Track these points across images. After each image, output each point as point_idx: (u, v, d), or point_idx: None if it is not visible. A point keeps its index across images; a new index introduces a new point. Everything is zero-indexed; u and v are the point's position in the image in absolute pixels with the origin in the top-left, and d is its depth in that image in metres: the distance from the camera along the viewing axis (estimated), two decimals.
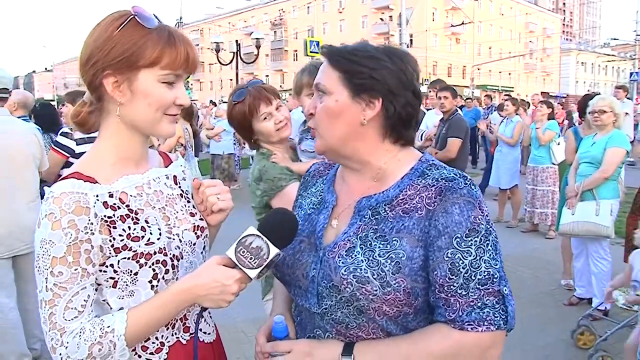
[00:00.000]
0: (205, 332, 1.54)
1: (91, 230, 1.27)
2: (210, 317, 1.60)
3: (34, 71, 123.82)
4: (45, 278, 1.24)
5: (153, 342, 1.39)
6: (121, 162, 1.41)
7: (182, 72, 1.37)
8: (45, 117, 5.97)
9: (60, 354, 1.23)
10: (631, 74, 25.09)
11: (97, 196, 1.30)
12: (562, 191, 5.45)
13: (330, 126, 1.35)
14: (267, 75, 70.49)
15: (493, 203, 9.06)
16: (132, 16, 1.32)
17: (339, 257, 1.29)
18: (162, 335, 1.41)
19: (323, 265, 1.32)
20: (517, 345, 4.22)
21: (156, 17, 1.36)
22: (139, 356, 1.37)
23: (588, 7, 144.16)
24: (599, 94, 6.04)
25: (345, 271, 1.25)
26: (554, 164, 7.45)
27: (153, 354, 1.39)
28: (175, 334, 1.44)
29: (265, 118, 2.38)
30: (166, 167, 1.56)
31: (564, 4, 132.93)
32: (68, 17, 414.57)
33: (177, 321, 1.44)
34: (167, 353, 1.41)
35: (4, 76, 3.70)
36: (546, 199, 7.59)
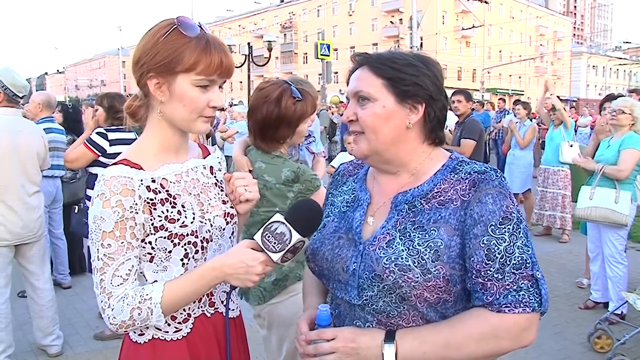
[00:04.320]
0: (230, 309, 1.71)
1: (135, 209, 1.43)
2: (237, 296, 1.77)
3: (46, 73, 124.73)
4: (97, 249, 1.42)
5: (181, 313, 1.56)
6: (163, 152, 1.57)
7: (216, 78, 1.49)
8: (74, 120, 6.35)
9: (107, 315, 1.42)
10: None
11: (141, 180, 1.46)
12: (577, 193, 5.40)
13: (379, 130, 1.41)
14: (277, 78, 70.45)
15: None
16: (175, 25, 1.45)
17: (379, 249, 1.36)
18: (189, 307, 1.57)
19: (364, 258, 1.39)
20: (533, 348, 4.20)
21: (200, 26, 1.49)
22: (168, 324, 1.54)
23: (599, 10, 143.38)
24: (624, 95, 5.99)
25: (387, 261, 1.33)
26: (561, 162, 7.39)
27: (181, 324, 1.56)
28: (201, 307, 1.61)
29: (307, 120, 2.52)
30: (204, 158, 1.72)
31: (574, 7, 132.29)
32: (80, 20, 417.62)
33: (204, 296, 1.60)
34: (192, 323, 1.58)
35: (27, 85, 4.08)
36: (555, 202, 7.54)
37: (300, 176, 2.43)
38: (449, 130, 6.91)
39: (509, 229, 1.29)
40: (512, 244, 1.28)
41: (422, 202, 1.40)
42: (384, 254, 1.34)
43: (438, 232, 1.33)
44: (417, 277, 1.29)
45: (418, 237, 1.34)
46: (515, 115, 10.70)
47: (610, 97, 5.86)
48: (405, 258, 1.31)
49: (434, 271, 1.29)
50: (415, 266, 1.30)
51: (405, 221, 1.39)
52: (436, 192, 1.39)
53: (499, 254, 1.28)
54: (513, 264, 1.28)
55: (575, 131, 15.09)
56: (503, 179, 1.36)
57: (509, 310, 1.26)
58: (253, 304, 2.58)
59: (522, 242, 1.30)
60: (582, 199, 4.82)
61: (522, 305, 1.26)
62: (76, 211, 4.67)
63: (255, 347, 4.10)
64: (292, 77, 2.95)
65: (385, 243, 1.36)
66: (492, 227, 1.29)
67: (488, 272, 1.28)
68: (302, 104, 2.43)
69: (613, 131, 4.89)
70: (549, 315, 4.91)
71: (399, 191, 1.44)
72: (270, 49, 17.47)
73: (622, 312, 4.56)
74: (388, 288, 1.33)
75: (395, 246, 1.34)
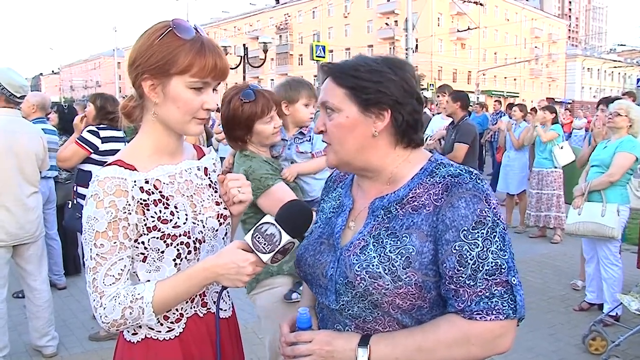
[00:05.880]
0: (222, 309, 1.72)
1: (128, 210, 1.45)
2: (229, 296, 1.78)
3: (41, 74, 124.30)
4: (90, 249, 1.43)
5: (174, 313, 1.57)
6: (157, 153, 1.58)
7: (210, 80, 1.50)
8: (69, 121, 6.32)
9: (99, 314, 1.43)
10: (638, 79, 25.01)
11: (135, 181, 1.48)
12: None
13: (344, 141, 1.41)
14: (272, 79, 70.48)
15: (501, 209, 9.02)
16: (171, 28, 1.47)
17: (353, 255, 1.36)
18: (182, 307, 1.58)
19: (340, 264, 1.39)
20: (528, 350, 4.23)
21: (195, 28, 1.50)
22: (161, 324, 1.55)
23: (594, 12, 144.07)
24: (621, 97, 6.04)
25: (358, 268, 1.32)
26: (556, 167, 7.46)
27: (173, 323, 1.57)
28: (194, 307, 1.62)
29: (269, 121, 2.54)
30: (199, 159, 1.72)
31: (569, 9, 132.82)
32: (75, 20, 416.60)
33: (196, 296, 1.62)
34: (185, 323, 1.59)
35: (26, 85, 4.07)
36: (550, 203, 7.59)
37: (249, 175, 2.45)
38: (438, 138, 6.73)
39: (482, 233, 1.26)
40: (485, 249, 1.25)
41: (397, 207, 1.38)
42: (356, 260, 1.34)
43: (410, 239, 1.31)
44: (388, 284, 1.28)
45: (390, 243, 1.33)
46: (510, 118, 10.77)
47: (608, 100, 5.88)
48: (376, 265, 1.30)
49: (405, 278, 1.28)
50: (386, 273, 1.28)
51: (380, 227, 1.38)
52: (411, 197, 1.37)
53: (471, 259, 1.25)
54: (486, 269, 1.25)
55: (570, 133, 15.20)
56: (478, 182, 1.32)
57: (480, 317, 1.24)
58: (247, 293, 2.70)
59: (497, 247, 1.26)
60: (571, 214, 4.89)
61: (494, 312, 1.23)
62: (69, 206, 4.68)
63: (251, 348, 4.11)
64: (289, 77, 2.97)
65: (360, 249, 1.36)
66: (465, 232, 1.26)
67: (460, 278, 1.25)
68: (251, 105, 2.47)
69: (610, 134, 4.91)
70: (544, 317, 4.93)
71: (377, 196, 1.44)
72: (265, 51, 17.48)
73: (616, 313, 4.57)
74: (360, 295, 1.33)
75: (368, 252, 1.33)
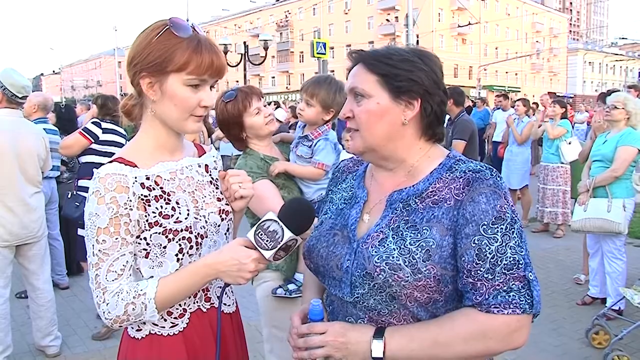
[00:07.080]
0: (225, 304, 1.74)
1: (129, 206, 1.46)
2: (232, 292, 1.80)
3: (42, 74, 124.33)
4: (92, 245, 1.45)
5: (177, 308, 1.58)
6: (158, 150, 1.60)
7: (207, 77, 1.52)
8: (67, 119, 6.53)
9: (102, 310, 1.45)
10: None
11: (135, 178, 1.50)
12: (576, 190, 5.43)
13: (373, 127, 1.41)
14: (273, 77, 70.49)
15: None
16: (168, 26, 1.49)
17: (372, 247, 1.36)
18: (185, 303, 1.60)
19: (357, 255, 1.39)
20: (532, 344, 4.22)
21: (193, 27, 1.52)
22: (165, 320, 1.56)
23: (595, 6, 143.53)
24: (618, 90, 6.02)
25: (378, 259, 1.33)
26: (563, 163, 7.44)
27: (177, 319, 1.58)
28: (197, 302, 1.63)
29: (257, 113, 2.59)
30: (200, 157, 1.74)
31: (570, 3, 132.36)
32: (76, 20, 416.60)
33: (199, 291, 1.63)
34: (189, 318, 1.60)
35: (28, 85, 4.07)
36: (556, 198, 7.57)
37: None
38: None
39: (501, 228, 1.28)
40: (504, 244, 1.27)
41: (417, 201, 1.39)
42: (375, 252, 1.34)
43: (430, 232, 1.32)
44: (407, 277, 1.29)
45: (410, 236, 1.33)
46: (503, 110, 10.80)
47: (606, 94, 5.87)
48: (397, 257, 1.31)
49: (425, 271, 1.29)
50: (406, 265, 1.29)
51: (399, 220, 1.38)
52: (431, 191, 1.39)
53: (490, 253, 1.26)
54: (504, 264, 1.26)
55: (572, 127, 15.13)
56: (498, 178, 1.34)
57: (497, 311, 1.25)
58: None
59: (516, 242, 1.28)
60: (576, 211, 4.86)
61: (511, 306, 1.25)
62: (69, 196, 4.73)
63: (254, 346, 4.10)
64: (320, 75, 2.91)
65: (378, 241, 1.36)
66: (484, 226, 1.28)
67: (478, 272, 1.27)
68: (233, 103, 2.57)
69: (610, 127, 4.89)
70: (547, 312, 4.92)
71: (395, 189, 1.44)
72: (266, 48, 17.43)
73: (619, 307, 4.56)
74: (378, 286, 1.33)
75: (387, 245, 1.34)
